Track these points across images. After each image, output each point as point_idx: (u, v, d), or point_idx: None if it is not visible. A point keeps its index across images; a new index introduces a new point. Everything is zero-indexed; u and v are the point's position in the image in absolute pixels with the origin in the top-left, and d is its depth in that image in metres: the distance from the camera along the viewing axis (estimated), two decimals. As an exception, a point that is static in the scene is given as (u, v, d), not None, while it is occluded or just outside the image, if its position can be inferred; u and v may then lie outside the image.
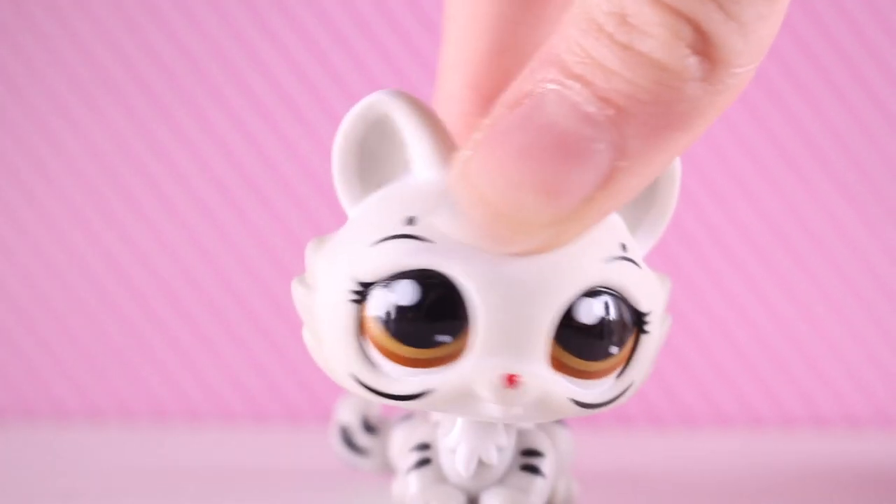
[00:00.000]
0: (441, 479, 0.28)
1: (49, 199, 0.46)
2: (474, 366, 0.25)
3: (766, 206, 0.46)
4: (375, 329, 0.25)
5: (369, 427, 0.34)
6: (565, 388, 0.25)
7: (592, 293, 0.25)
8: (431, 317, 0.25)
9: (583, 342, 0.25)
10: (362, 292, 0.25)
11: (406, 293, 0.25)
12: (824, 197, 0.46)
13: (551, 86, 0.23)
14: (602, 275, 0.25)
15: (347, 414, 0.34)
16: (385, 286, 0.25)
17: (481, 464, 0.27)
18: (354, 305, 0.25)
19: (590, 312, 0.25)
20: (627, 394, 0.27)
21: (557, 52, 0.23)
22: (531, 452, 0.28)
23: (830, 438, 0.44)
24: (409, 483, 0.28)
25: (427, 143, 0.26)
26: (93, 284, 0.46)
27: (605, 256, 0.25)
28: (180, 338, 0.46)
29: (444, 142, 0.26)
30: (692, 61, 0.22)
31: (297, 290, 0.27)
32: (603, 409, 0.26)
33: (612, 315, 0.25)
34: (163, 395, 0.46)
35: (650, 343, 0.26)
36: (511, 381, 0.25)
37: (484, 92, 0.30)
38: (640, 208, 0.27)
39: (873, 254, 0.46)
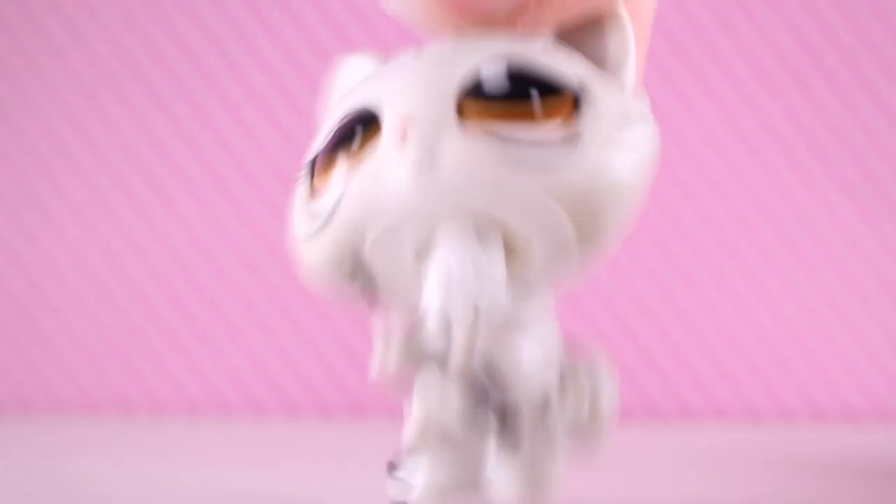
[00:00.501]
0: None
1: (47, 194, 0.46)
2: (380, 150, 0.23)
3: (765, 200, 0.46)
4: (316, 180, 0.25)
5: None
6: (479, 133, 0.23)
7: (502, 59, 0.23)
8: (344, 129, 0.24)
9: (491, 91, 0.23)
10: (310, 170, 0.25)
11: (326, 132, 0.25)
12: (823, 190, 0.46)
13: None
14: (510, 47, 0.24)
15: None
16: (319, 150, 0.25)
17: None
18: (303, 184, 0.26)
19: (496, 71, 0.23)
20: (582, 150, 0.23)
21: None
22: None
23: (829, 432, 0.44)
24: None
25: None
26: (91, 279, 0.46)
27: (513, 39, 0.24)
28: (178, 332, 0.46)
29: None
30: None
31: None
32: (553, 176, 0.23)
33: (527, 73, 0.23)
34: (161, 389, 0.46)
35: (601, 110, 0.23)
36: (405, 121, 0.23)
37: None
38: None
39: (872, 248, 0.46)
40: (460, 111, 0.23)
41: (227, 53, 0.46)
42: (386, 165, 0.23)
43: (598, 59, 0.25)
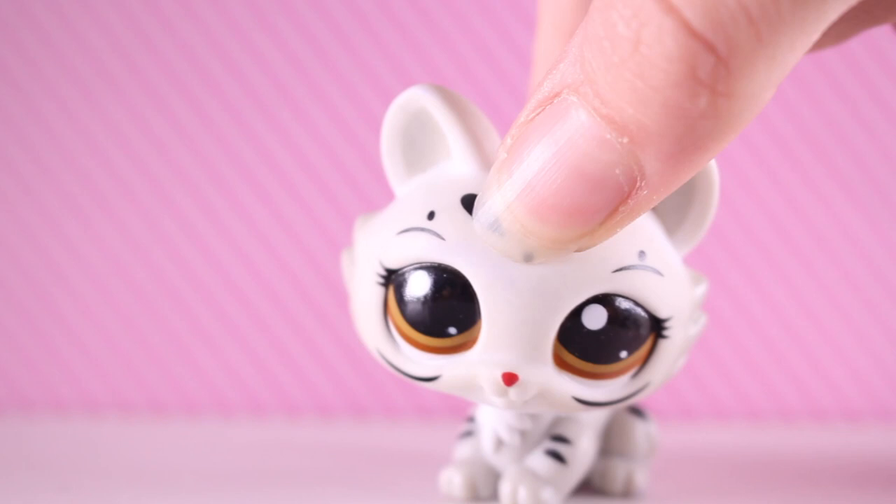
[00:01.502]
0: (477, 451, 0.30)
1: (47, 192, 0.46)
2: (479, 358, 0.26)
3: (765, 200, 0.46)
4: (395, 313, 0.27)
5: None
6: (569, 387, 0.27)
7: (601, 299, 0.26)
8: (441, 309, 0.26)
9: (588, 346, 0.26)
10: (387, 277, 0.27)
11: (419, 283, 0.27)
12: (823, 191, 0.46)
13: (573, 98, 0.23)
14: (612, 284, 0.26)
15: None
16: (405, 275, 0.27)
17: (499, 442, 0.30)
18: (381, 288, 0.27)
19: (594, 318, 0.26)
20: (643, 392, 0.28)
21: (581, 56, 0.23)
22: (559, 439, 0.30)
23: (829, 432, 0.44)
24: (456, 451, 0.30)
25: (462, 137, 0.27)
26: (91, 279, 0.46)
27: (617, 266, 0.26)
28: (179, 332, 0.46)
29: (481, 136, 0.27)
30: (705, 99, 0.22)
31: (344, 261, 0.29)
32: (613, 406, 0.28)
33: (622, 321, 0.26)
34: (161, 389, 0.46)
35: (670, 346, 0.27)
36: (509, 379, 0.26)
37: None
38: (678, 210, 0.28)
39: (872, 249, 0.46)
40: (555, 357, 0.27)
41: (227, 53, 0.46)
42: (483, 389, 0.27)
43: (682, 206, 0.28)
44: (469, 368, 0.26)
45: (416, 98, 0.27)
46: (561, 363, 0.26)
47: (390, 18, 0.46)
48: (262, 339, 0.46)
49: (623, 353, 0.27)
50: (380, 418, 0.46)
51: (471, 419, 0.31)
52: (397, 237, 0.27)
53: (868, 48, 0.46)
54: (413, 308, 0.27)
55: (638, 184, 0.23)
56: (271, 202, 0.46)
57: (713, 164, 0.27)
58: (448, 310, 0.26)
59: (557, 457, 0.29)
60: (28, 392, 0.46)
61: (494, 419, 0.29)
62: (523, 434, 0.29)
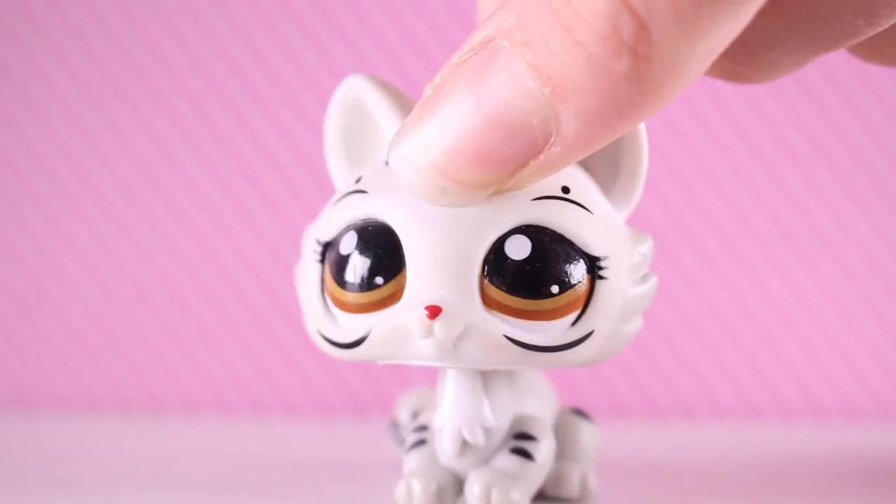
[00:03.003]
0: (434, 459, 0.28)
1: (47, 190, 0.46)
2: (405, 303, 0.26)
3: (765, 197, 0.46)
4: (328, 281, 0.27)
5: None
6: (498, 325, 0.26)
7: (522, 230, 0.26)
8: (367, 260, 0.26)
9: (513, 278, 0.26)
10: (323, 252, 0.27)
11: (347, 242, 0.27)
12: (824, 188, 0.46)
13: (506, 43, 0.23)
14: (533, 212, 0.26)
15: (401, 411, 0.34)
16: (337, 240, 0.27)
17: (468, 444, 0.28)
18: (318, 266, 0.27)
19: (517, 247, 0.26)
20: (590, 343, 0.27)
21: (520, 3, 0.23)
22: (524, 436, 0.28)
23: (829, 430, 0.44)
24: (406, 463, 0.29)
25: (395, 121, 0.27)
26: (91, 276, 0.46)
27: (533, 195, 0.26)
28: (179, 329, 0.46)
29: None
30: (625, 61, 0.22)
31: (296, 276, 0.29)
32: (557, 357, 0.26)
33: (547, 251, 0.26)
34: (161, 387, 0.46)
35: (612, 290, 0.26)
36: (433, 312, 0.25)
37: None
38: (610, 170, 0.28)
39: (873, 245, 0.46)
40: (483, 294, 0.26)
41: (228, 54, 0.46)
42: (411, 333, 0.26)
43: (611, 166, 0.27)
44: (397, 315, 0.26)
45: (350, 90, 0.28)
46: (490, 302, 0.26)
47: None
48: (262, 336, 0.46)
49: (554, 288, 0.26)
50: (379, 417, 0.46)
51: (422, 428, 0.29)
52: (330, 210, 0.27)
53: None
54: (339, 266, 0.27)
55: (552, 139, 0.23)
56: (273, 201, 0.46)
57: (641, 125, 0.27)
58: (373, 259, 0.26)
59: (525, 454, 0.28)
60: (28, 389, 0.46)
61: (457, 418, 0.28)
62: (487, 433, 0.28)
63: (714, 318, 0.46)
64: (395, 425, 0.35)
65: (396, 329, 0.26)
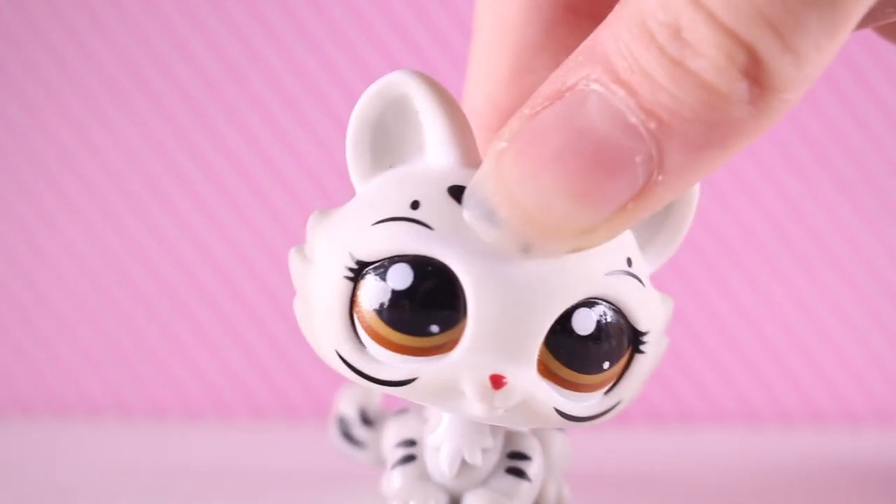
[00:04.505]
0: (425, 477, 0.28)
1: (47, 195, 0.46)
2: (462, 360, 0.24)
3: (764, 202, 0.46)
4: (367, 310, 0.25)
5: (367, 420, 0.34)
6: (551, 396, 0.25)
7: (590, 304, 0.25)
8: (424, 305, 0.24)
9: (575, 353, 0.25)
10: (358, 271, 0.25)
11: (401, 277, 0.24)
12: (822, 192, 0.46)
13: (595, 86, 0.22)
14: (603, 287, 0.25)
15: (346, 406, 0.34)
16: (381, 268, 0.25)
17: (465, 464, 0.27)
18: (348, 283, 0.25)
19: (585, 323, 0.25)
20: (614, 411, 0.26)
21: (605, 51, 0.22)
22: (518, 455, 0.28)
23: (829, 436, 0.44)
24: (393, 479, 0.28)
25: (445, 127, 0.25)
26: (91, 281, 0.46)
27: (609, 269, 0.25)
28: (179, 334, 0.46)
29: (463, 128, 0.26)
30: (742, 86, 0.22)
31: (294, 259, 0.26)
32: (587, 424, 0.26)
33: (609, 329, 0.25)
34: (161, 392, 0.46)
35: (644, 363, 0.26)
36: (497, 381, 0.24)
37: (503, 110, 0.29)
38: (652, 225, 0.27)
39: (872, 250, 0.46)
40: (539, 363, 0.25)
41: (227, 57, 0.46)
42: (464, 393, 0.25)
43: (655, 221, 0.27)
44: (450, 370, 0.24)
45: (398, 84, 0.25)
46: (544, 370, 0.25)
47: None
48: (262, 341, 0.46)
49: (606, 364, 0.25)
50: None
51: (409, 443, 0.28)
52: (374, 227, 0.25)
53: (867, 48, 0.46)
54: (391, 304, 0.24)
55: (655, 177, 0.22)
56: (273, 205, 0.46)
57: (697, 184, 0.26)
58: (432, 305, 0.24)
59: (520, 474, 0.28)
60: (27, 394, 0.46)
61: (459, 438, 0.27)
62: (485, 453, 0.27)
63: (714, 323, 0.46)
64: (340, 421, 0.34)
65: (449, 385, 0.25)
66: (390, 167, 0.26)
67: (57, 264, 0.46)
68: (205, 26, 0.46)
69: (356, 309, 0.25)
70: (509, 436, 0.28)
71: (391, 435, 0.30)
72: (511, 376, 0.24)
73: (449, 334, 0.24)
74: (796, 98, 0.22)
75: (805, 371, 0.46)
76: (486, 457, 0.27)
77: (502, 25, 0.29)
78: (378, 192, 0.26)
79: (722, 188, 0.46)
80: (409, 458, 0.28)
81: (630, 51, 0.22)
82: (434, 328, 0.24)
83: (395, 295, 0.24)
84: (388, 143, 0.26)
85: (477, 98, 0.30)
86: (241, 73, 0.46)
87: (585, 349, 0.25)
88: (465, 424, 0.27)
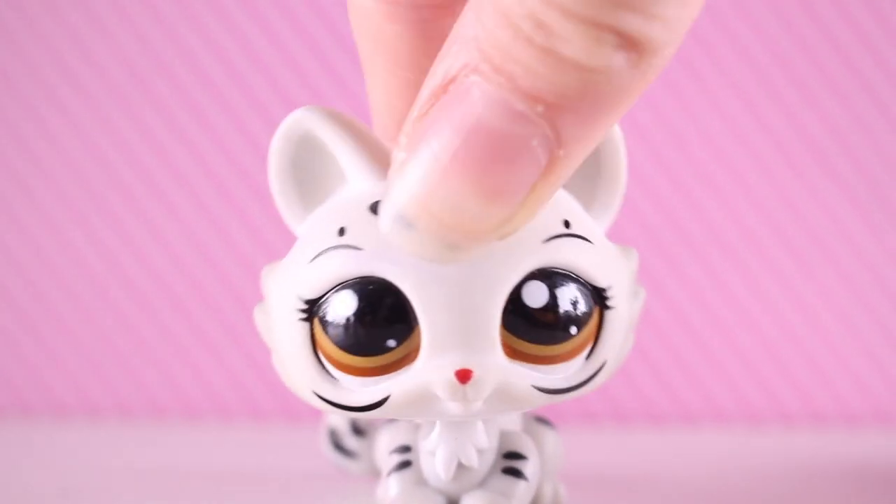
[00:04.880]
0: (421, 482, 0.28)
1: (46, 195, 0.46)
2: (426, 366, 0.25)
3: (764, 203, 0.46)
4: (325, 343, 0.25)
5: (357, 430, 0.34)
6: (525, 375, 0.25)
7: (537, 276, 0.25)
8: (373, 323, 0.25)
9: (534, 327, 0.25)
10: (308, 310, 0.25)
11: (345, 303, 0.25)
12: (822, 193, 0.46)
13: (475, 77, 0.22)
14: (544, 255, 0.25)
15: (336, 417, 0.34)
16: (326, 300, 0.25)
17: (461, 466, 0.27)
18: (304, 324, 0.25)
19: (536, 295, 0.25)
20: (602, 374, 0.26)
21: (476, 39, 0.22)
22: (514, 455, 0.28)
23: (829, 437, 0.44)
24: (389, 486, 0.28)
25: (353, 154, 0.26)
26: (91, 282, 0.46)
27: (545, 236, 0.25)
28: (179, 336, 0.46)
29: (372, 149, 0.26)
30: (619, 58, 0.21)
31: (258, 318, 0.27)
32: (576, 394, 0.26)
33: (563, 294, 0.25)
34: (161, 393, 0.46)
35: (617, 319, 0.26)
36: (464, 376, 0.24)
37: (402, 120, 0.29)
38: (588, 183, 0.27)
39: (871, 251, 0.46)
40: (505, 346, 0.25)
41: (225, 55, 0.46)
42: (437, 396, 0.25)
43: (589, 180, 0.27)
44: (418, 378, 0.25)
45: (300, 122, 0.26)
46: (512, 353, 0.25)
47: None
48: (261, 341, 0.46)
49: (573, 329, 0.25)
50: (378, 422, 0.46)
51: (404, 449, 0.28)
52: (310, 264, 0.25)
53: (867, 50, 0.46)
54: (344, 331, 0.25)
55: (556, 153, 0.22)
56: (272, 204, 0.46)
57: (615, 126, 0.26)
58: (382, 322, 0.25)
59: (517, 474, 0.27)
60: (27, 395, 0.46)
61: (453, 441, 0.27)
62: (481, 454, 0.27)
63: (714, 325, 0.46)
64: (330, 432, 0.34)
65: (420, 393, 0.25)
66: (321, 203, 0.27)
67: (57, 265, 0.46)
68: (205, 26, 0.46)
69: (318, 346, 0.25)
70: (504, 436, 0.28)
71: (384, 443, 0.30)
72: (477, 367, 0.24)
73: (407, 345, 0.25)
74: (677, 46, 0.22)
75: (805, 371, 0.46)
76: (481, 458, 0.27)
77: (377, 39, 0.29)
78: (310, 229, 0.26)
79: (721, 189, 0.46)
80: (405, 464, 0.28)
81: (499, 41, 0.22)
82: (391, 342, 0.25)
83: (347, 321, 0.25)
84: (312, 181, 0.26)
85: (381, 115, 0.29)
86: (242, 72, 0.46)
87: (544, 321, 0.25)
88: (457, 427, 0.27)
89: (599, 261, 0.26)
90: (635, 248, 0.28)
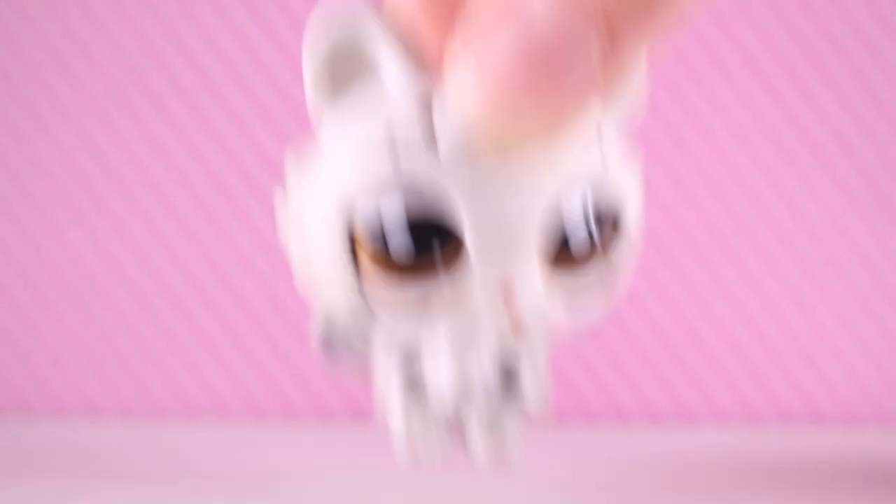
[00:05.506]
0: (423, 403, 0.27)
1: (46, 195, 0.46)
2: (472, 270, 0.24)
3: (764, 202, 0.46)
4: (369, 245, 0.25)
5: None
6: (558, 283, 0.25)
7: (575, 183, 0.25)
8: (420, 227, 0.24)
9: (571, 236, 0.25)
10: (349, 212, 0.25)
11: (394, 206, 0.24)
12: (822, 192, 0.46)
13: None
14: (579, 167, 0.25)
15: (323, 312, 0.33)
16: (374, 202, 0.24)
17: (462, 380, 0.27)
18: (345, 224, 0.25)
19: (574, 205, 0.25)
20: (617, 275, 0.26)
21: None
22: (510, 372, 0.27)
23: (828, 435, 0.44)
24: (395, 416, 0.27)
25: (397, 46, 0.25)
26: (91, 281, 0.46)
27: (579, 147, 0.25)
28: (178, 335, 0.46)
29: (416, 45, 0.25)
30: None
31: (282, 201, 0.27)
32: (599, 296, 0.26)
33: (594, 207, 0.25)
34: (161, 393, 0.46)
35: (627, 237, 0.26)
36: (509, 286, 0.24)
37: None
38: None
39: (871, 250, 0.46)
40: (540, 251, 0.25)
41: (225, 54, 0.46)
42: (478, 306, 0.25)
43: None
44: (462, 283, 0.24)
45: (344, 25, 0.25)
46: (549, 259, 0.25)
47: None
48: (261, 341, 0.46)
49: (597, 235, 0.25)
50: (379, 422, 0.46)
51: (406, 359, 0.28)
52: (358, 163, 0.25)
53: (867, 50, 0.46)
54: (390, 233, 0.24)
55: (610, 54, 0.23)
56: (272, 204, 0.46)
57: None
58: (426, 226, 0.24)
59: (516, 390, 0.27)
60: (27, 395, 0.46)
61: (457, 352, 0.27)
62: (480, 365, 0.27)
63: (714, 323, 0.46)
64: (325, 318, 0.33)
65: (463, 299, 0.25)
66: (348, 94, 0.25)
67: (57, 265, 0.46)
68: (205, 26, 0.46)
69: (359, 246, 0.25)
70: (501, 350, 0.27)
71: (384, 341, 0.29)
72: (520, 276, 0.24)
73: (450, 250, 0.24)
74: None
75: (805, 371, 0.46)
76: (481, 371, 0.27)
77: None
78: (347, 123, 0.25)
79: (721, 188, 0.46)
80: (408, 385, 0.28)
81: None
82: (435, 245, 0.24)
83: (392, 223, 0.24)
84: (345, 69, 0.26)
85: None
86: (242, 72, 0.46)
87: (580, 231, 0.25)
88: (461, 336, 0.27)
89: (621, 176, 0.26)
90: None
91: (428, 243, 0.24)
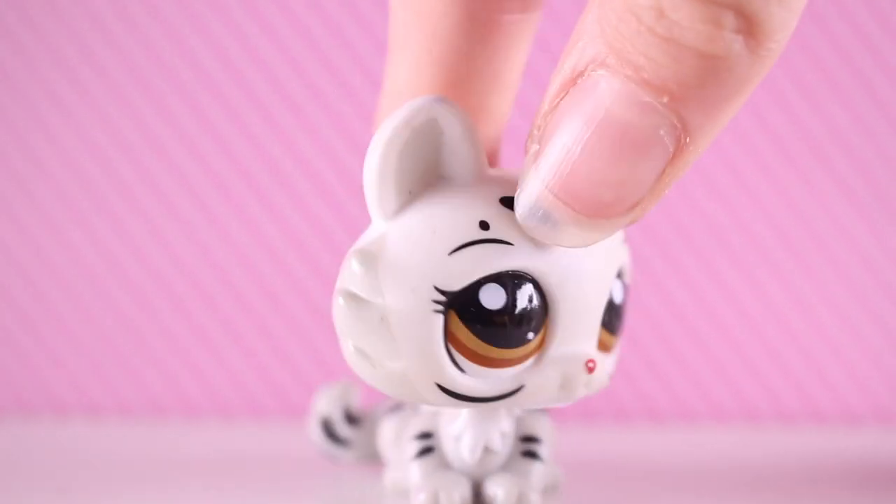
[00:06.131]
0: (444, 466, 0.29)
1: (46, 194, 0.46)
2: (558, 356, 0.26)
3: (764, 201, 0.46)
4: (462, 335, 0.26)
5: (351, 418, 0.35)
6: (608, 367, 0.28)
7: (619, 275, 0.27)
8: (521, 317, 0.26)
9: (614, 320, 0.27)
10: (446, 302, 0.25)
11: (494, 297, 0.26)
12: (822, 192, 0.46)
13: (602, 71, 0.23)
14: (623, 256, 0.27)
15: (328, 405, 0.35)
16: (471, 292, 0.25)
17: (485, 450, 0.29)
18: (438, 315, 0.25)
19: (618, 291, 0.27)
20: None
21: (602, 34, 0.23)
22: (530, 439, 0.29)
23: (828, 434, 0.44)
24: (413, 471, 0.29)
25: (474, 149, 0.26)
26: (91, 281, 0.46)
27: (620, 238, 0.27)
28: (178, 334, 0.46)
29: (480, 142, 0.27)
30: (737, 43, 0.22)
31: (347, 303, 0.26)
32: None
33: (626, 291, 0.28)
34: (160, 392, 0.46)
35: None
36: (592, 367, 0.26)
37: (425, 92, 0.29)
38: None
39: (871, 250, 0.46)
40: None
41: (225, 53, 0.46)
42: (558, 387, 0.27)
43: None
44: (550, 368, 0.26)
45: (425, 110, 0.26)
46: (601, 346, 0.27)
47: None
48: (262, 340, 0.46)
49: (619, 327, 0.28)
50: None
51: (426, 435, 0.29)
52: (452, 256, 0.25)
53: (867, 50, 0.46)
54: (489, 324, 0.26)
55: (682, 140, 0.23)
56: (272, 204, 0.46)
57: None
58: (527, 316, 0.26)
59: (534, 456, 0.29)
60: (27, 394, 0.46)
61: (478, 426, 0.29)
62: (504, 437, 0.29)
63: (713, 322, 0.46)
64: (323, 421, 0.35)
65: (550, 381, 0.26)
66: (409, 192, 0.26)
67: (57, 264, 0.46)
68: (205, 26, 0.46)
69: (451, 338, 0.26)
70: (519, 420, 0.30)
71: (392, 431, 0.31)
72: (598, 358, 0.27)
73: (540, 336, 0.26)
74: (791, 32, 0.23)
75: (805, 371, 0.46)
76: (504, 442, 0.29)
77: (419, 12, 0.29)
78: (432, 219, 0.26)
79: (722, 188, 0.46)
80: (428, 450, 0.29)
81: (623, 34, 0.23)
82: (530, 335, 0.26)
83: (492, 314, 0.26)
84: (410, 170, 0.26)
85: (399, 94, 0.30)
86: (242, 72, 0.46)
87: (619, 314, 0.28)
88: (483, 412, 0.28)
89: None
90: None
91: (525, 335, 0.26)
